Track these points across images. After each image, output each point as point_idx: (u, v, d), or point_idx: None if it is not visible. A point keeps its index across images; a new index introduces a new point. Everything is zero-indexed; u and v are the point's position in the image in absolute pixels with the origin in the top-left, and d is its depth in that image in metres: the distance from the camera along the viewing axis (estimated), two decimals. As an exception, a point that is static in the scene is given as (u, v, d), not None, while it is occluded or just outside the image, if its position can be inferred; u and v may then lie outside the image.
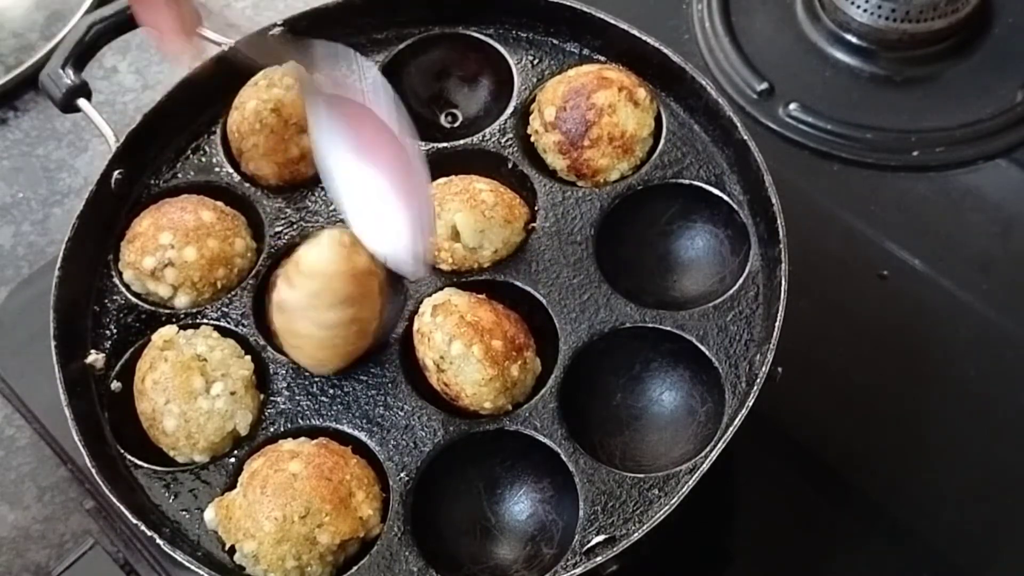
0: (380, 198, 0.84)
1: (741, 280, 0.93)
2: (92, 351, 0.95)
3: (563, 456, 0.87)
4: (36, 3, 1.39)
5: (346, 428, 0.90)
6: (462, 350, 0.86)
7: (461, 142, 1.03)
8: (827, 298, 1.07)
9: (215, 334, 0.93)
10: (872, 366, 1.04)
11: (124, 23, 1.06)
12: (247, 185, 1.03)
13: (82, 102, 1.04)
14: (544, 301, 0.93)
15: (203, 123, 1.06)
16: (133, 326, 0.96)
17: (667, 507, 0.81)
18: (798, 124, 1.19)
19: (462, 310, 0.88)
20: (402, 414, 0.90)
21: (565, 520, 0.86)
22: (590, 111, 0.98)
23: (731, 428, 0.82)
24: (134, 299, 0.97)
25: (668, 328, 0.91)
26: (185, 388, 0.88)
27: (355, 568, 0.84)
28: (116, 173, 1.00)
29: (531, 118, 1.03)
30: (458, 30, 1.09)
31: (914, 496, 0.97)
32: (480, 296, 0.91)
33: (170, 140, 1.05)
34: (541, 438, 0.87)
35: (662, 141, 1.00)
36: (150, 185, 1.03)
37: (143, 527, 0.83)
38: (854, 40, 1.24)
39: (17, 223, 1.26)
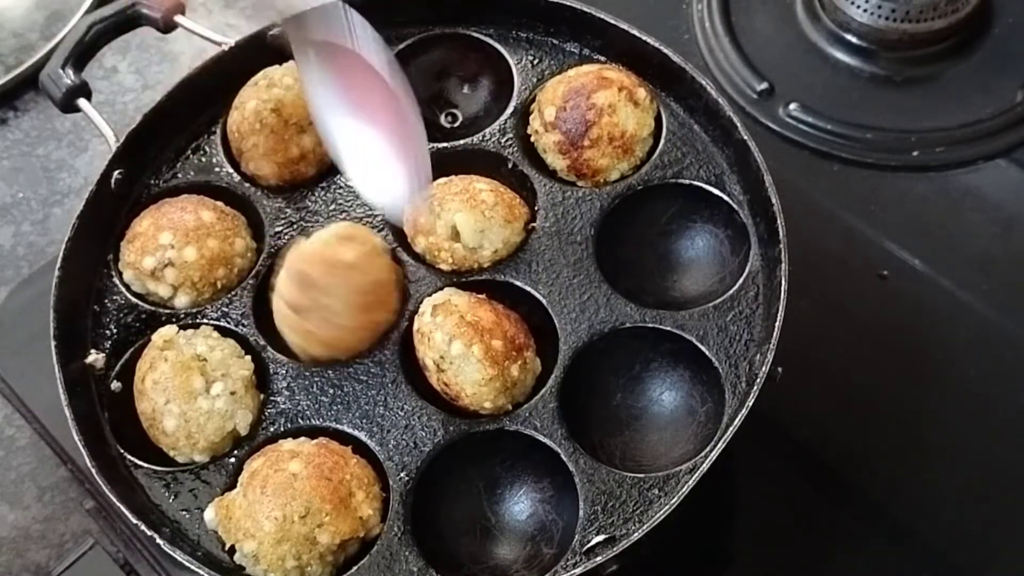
0: (375, 148, 0.83)
1: (741, 280, 0.93)
2: (92, 351, 0.95)
3: (563, 456, 0.87)
4: (36, 3, 1.39)
5: (346, 428, 0.90)
6: (462, 350, 0.86)
7: (461, 142, 1.03)
8: (827, 298, 1.07)
9: (215, 334, 0.93)
10: (872, 366, 1.04)
11: (124, 23, 1.06)
12: (247, 185, 1.03)
13: (82, 102, 1.04)
14: (544, 301, 0.93)
15: (203, 123, 1.06)
16: (133, 326, 0.96)
17: (667, 507, 0.81)
18: (798, 124, 1.19)
19: (462, 310, 0.88)
20: (402, 414, 0.90)
21: (565, 520, 0.86)
22: (590, 111, 0.98)
23: (731, 428, 0.82)
24: (134, 299, 0.97)
25: (668, 328, 0.91)
26: (185, 388, 0.88)
27: (355, 568, 0.84)
28: (116, 173, 1.00)
29: (531, 118, 1.03)
30: (458, 30, 1.09)
31: (914, 496, 0.97)
32: (480, 296, 0.91)
33: (170, 140, 1.05)
34: (541, 438, 0.87)
35: (662, 141, 1.00)
36: (150, 185, 1.03)
37: (143, 527, 0.83)
38: (854, 40, 1.24)
39: (17, 223, 1.26)
